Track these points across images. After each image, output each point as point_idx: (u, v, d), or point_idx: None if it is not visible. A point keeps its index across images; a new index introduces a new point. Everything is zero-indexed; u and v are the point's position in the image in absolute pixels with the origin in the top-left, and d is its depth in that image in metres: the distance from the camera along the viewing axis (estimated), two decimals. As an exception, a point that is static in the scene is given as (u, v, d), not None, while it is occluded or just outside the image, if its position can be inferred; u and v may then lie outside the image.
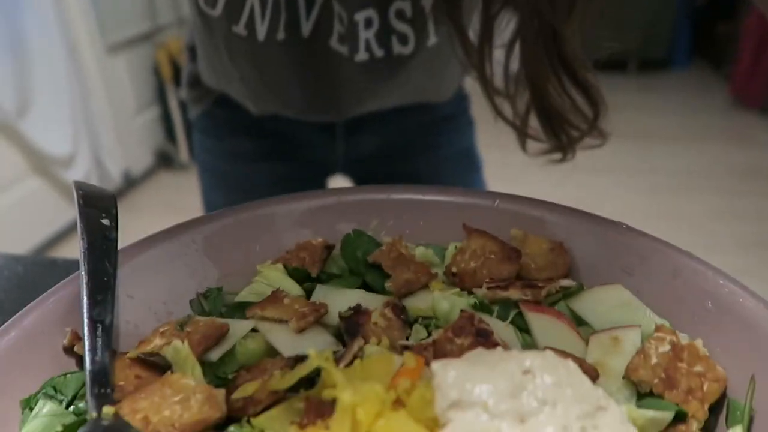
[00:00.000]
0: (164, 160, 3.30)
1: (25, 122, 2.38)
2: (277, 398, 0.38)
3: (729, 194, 2.88)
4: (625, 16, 3.98)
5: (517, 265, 0.48)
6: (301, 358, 0.40)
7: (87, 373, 0.37)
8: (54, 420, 0.37)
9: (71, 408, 0.39)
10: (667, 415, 0.34)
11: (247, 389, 0.38)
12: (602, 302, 0.44)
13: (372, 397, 0.32)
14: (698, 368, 0.37)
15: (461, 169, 1.02)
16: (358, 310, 0.44)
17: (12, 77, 2.32)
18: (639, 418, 0.33)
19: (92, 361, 0.38)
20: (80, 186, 0.51)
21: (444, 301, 0.44)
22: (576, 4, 0.54)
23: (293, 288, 0.49)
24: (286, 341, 0.42)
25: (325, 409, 0.35)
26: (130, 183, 3.04)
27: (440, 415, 0.31)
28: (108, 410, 0.35)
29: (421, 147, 0.97)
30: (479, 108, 1.07)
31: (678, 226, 2.62)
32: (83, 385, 0.40)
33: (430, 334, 0.43)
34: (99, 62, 2.82)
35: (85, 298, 0.41)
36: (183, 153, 3.23)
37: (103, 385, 0.37)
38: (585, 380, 0.33)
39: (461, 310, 0.42)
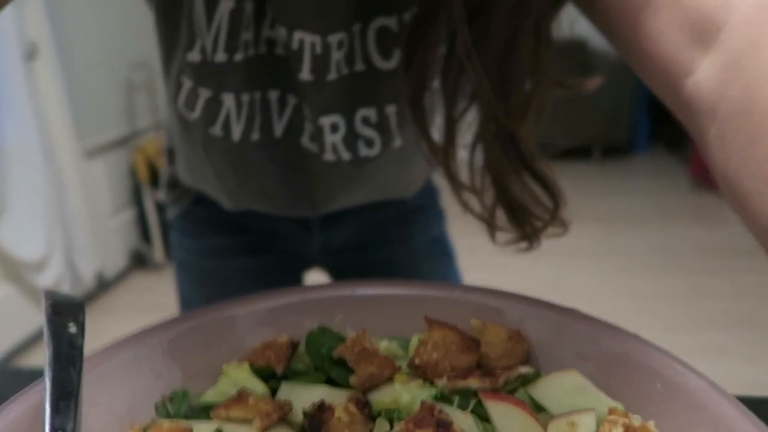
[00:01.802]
0: (139, 261, 3.28)
1: (-1, 227, 2.38)
2: (240, 502, 0.38)
3: (694, 273, 2.94)
4: (588, 106, 4.23)
5: (476, 354, 0.50)
6: (264, 459, 0.41)
7: (45, 485, 0.37)
8: None
9: None
10: (622, 499, 0.35)
11: (208, 494, 0.38)
12: (558, 388, 0.45)
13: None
14: (650, 450, 0.38)
15: (434, 257, 1.05)
16: (321, 407, 0.45)
17: (-12, 182, 2.34)
18: (594, 504, 0.34)
19: (52, 473, 0.38)
20: (49, 295, 0.52)
21: (405, 393, 0.45)
22: (528, 110, 0.59)
23: (259, 387, 0.49)
24: (248, 443, 0.43)
25: None
26: (104, 285, 3.00)
27: None
28: None
29: (393, 238, 1.00)
30: (450, 199, 1.12)
31: (646, 306, 2.65)
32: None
33: (392, 426, 0.43)
34: (76, 166, 2.86)
35: (47, 407, 0.42)
36: (158, 253, 3.22)
37: (62, 497, 0.37)
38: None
39: (422, 402, 0.43)
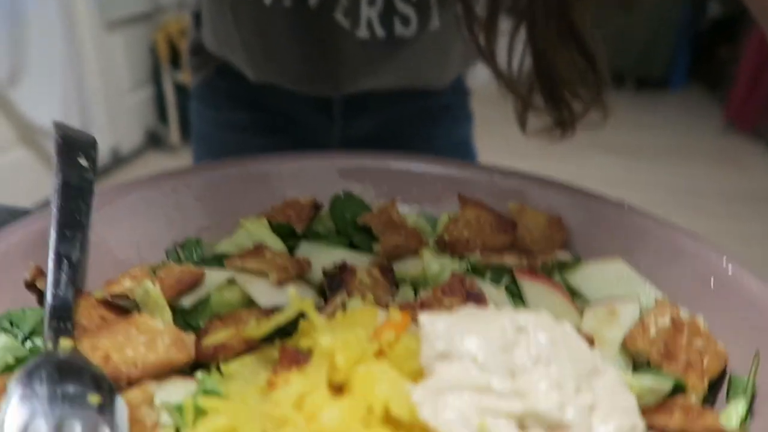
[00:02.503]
0: (154, 141, 3.25)
1: (15, 91, 2.34)
2: (250, 347, 0.35)
3: (715, 216, 2.87)
4: (624, 32, 4.00)
5: (512, 235, 0.46)
6: (279, 310, 0.38)
7: (46, 305, 0.35)
8: (6, 354, 0.34)
9: (27, 344, 0.36)
10: (666, 385, 0.32)
11: (218, 336, 0.36)
12: (600, 275, 0.42)
13: (353, 344, 0.30)
14: (699, 343, 0.35)
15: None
16: (343, 267, 0.42)
17: (6, 45, 2.27)
18: (636, 386, 0.31)
19: (53, 295, 0.35)
20: (60, 126, 0.48)
21: (435, 263, 0.42)
22: None
23: (276, 243, 0.46)
24: (264, 292, 0.40)
25: (301, 358, 0.33)
26: (118, 161, 2.99)
27: (426, 365, 0.29)
28: (66, 343, 0.32)
29: (416, 136, 0.95)
30: (480, 107, 1.06)
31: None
32: (42, 321, 0.37)
33: (417, 295, 0.41)
34: (96, 38, 2.77)
35: (53, 232, 0.39)
36: (174, 134, 3.18)
37: (63, 320, 0.34)
38: (581, 343, 0.31)
39: (452, 272, 0.39)
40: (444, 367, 0.28)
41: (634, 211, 0.47)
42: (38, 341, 0.36)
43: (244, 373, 0.33)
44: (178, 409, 0.30)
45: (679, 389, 0.33)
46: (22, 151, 2.46)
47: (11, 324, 0.36)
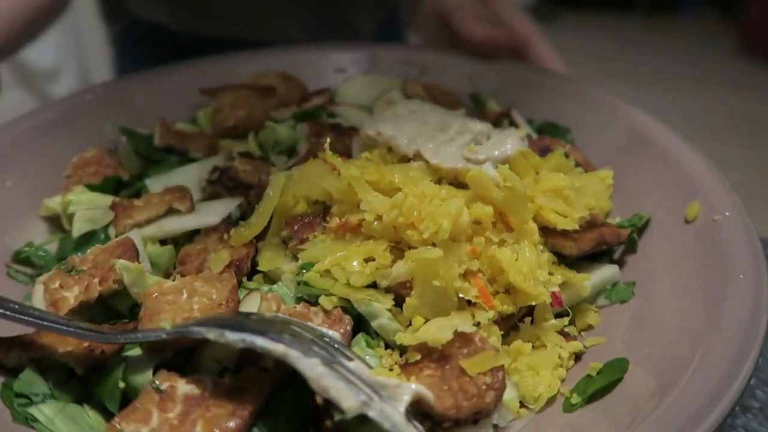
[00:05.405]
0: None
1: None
2: (253, 248, 0.38)
3: (723, 143, 2.47)
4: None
5: (277, 97, 0.54)
6: (228, 220, 0.40)
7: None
8: (75, 414, 0.28)
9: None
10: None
11: (221, 257, 0.36)
12: (356, 90, 0.55)
13: (367, 165, 0.38)
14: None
15: None
16: (220, 169, 0.44)
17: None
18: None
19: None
20: None
21: (281, 128, 0.48)
22: None
23: (109, 199, 0.42)
24: (197, 219, 0.40)
25: (311, 222, 0.38)
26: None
27: (406, 151, 0.40)
28: (165, 324, 0.29)
29: None
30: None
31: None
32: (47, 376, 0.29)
33: (290, 157, 0.47)
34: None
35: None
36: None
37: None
38: (434, 106, 0.47)
39: (308, 123, 0.47)
40: (419, 144, 0.40)
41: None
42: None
43: (277, 262, 0.37)
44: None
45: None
46: (19, 93, 1.86)
47: (26, 396, 0.28)
